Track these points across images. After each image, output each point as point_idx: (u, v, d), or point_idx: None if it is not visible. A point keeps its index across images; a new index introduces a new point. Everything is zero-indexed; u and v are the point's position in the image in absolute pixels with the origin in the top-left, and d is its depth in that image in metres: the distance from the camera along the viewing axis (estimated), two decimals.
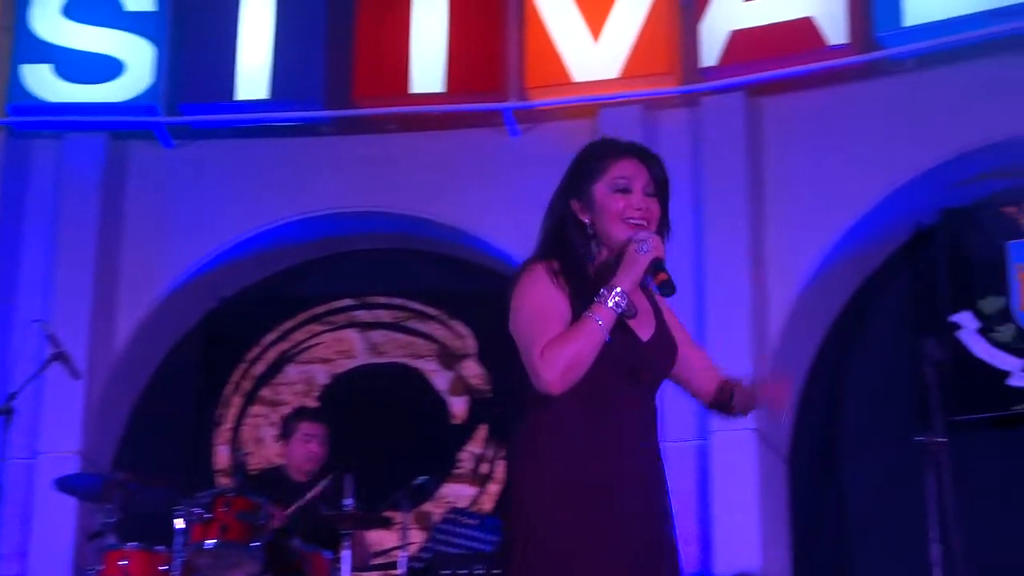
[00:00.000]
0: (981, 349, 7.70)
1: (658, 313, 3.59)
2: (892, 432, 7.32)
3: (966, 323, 7.75)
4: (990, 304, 7.73)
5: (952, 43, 7.63)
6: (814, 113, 7.97)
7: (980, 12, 7.49)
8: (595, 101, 8.27)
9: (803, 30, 7.87)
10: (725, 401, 3.64)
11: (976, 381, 7.65)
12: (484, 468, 8.55)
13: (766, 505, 7.57)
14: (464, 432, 8.63)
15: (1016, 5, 7.39)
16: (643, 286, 3.52)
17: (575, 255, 3.53)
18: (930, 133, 7.62)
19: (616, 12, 8.27)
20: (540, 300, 3.45)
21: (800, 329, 7.91)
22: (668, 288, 3.43)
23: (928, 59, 7.76)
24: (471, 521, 7.67)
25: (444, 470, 8.49)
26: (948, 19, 7.57)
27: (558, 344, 3.35)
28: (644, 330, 3.51)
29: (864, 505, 7.87)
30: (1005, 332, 7.67)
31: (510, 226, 8.33)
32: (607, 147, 3.68)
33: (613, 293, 3.38)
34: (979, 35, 7.55)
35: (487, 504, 8.46)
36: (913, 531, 6.16)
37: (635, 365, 3.45)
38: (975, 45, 7.57)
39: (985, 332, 7.70)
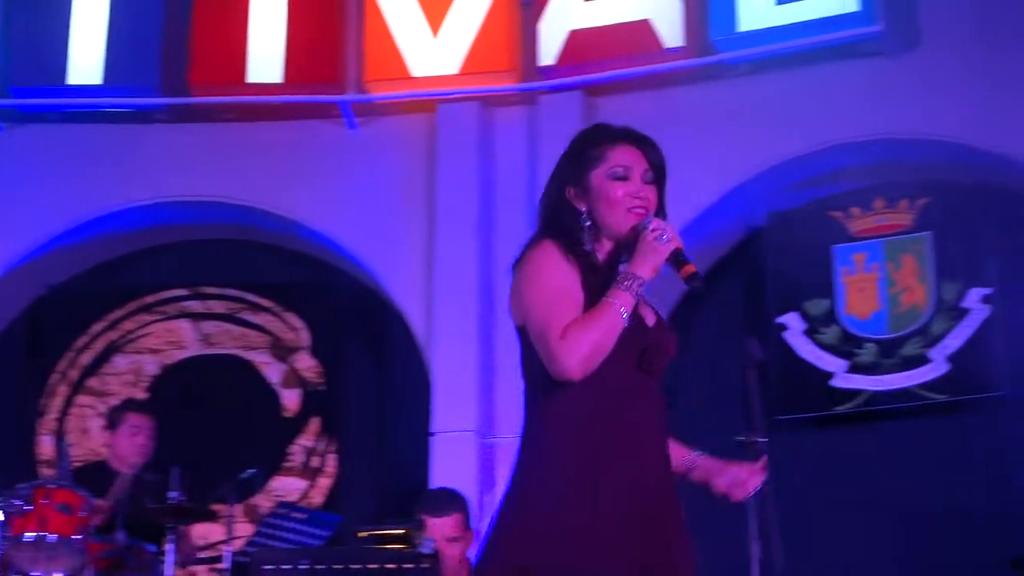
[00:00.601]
0: (806, 350, 7.85)
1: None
2: (719, 431, 7.41)
3: (792, 324, 7.90)
4: (816, 306, 7.89)
5: (784, 50, 7.77)
6: (650, 114, 7.98)
7: (811, 20, 7.63)
8: (433, 96, 8.27)
9: (640, 32, 7.95)
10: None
11: (801, 381, 7.82)
12: (315, 462, 8.50)
13: None
14: (296, 425, 8.56)
15: (846, 15, 7.54)
16: None
17: (578, 240, 3.39)
18: (761, 137, 7.74)
19: (456, 8, 8.27)
20: (555, 280, 3.29)
21: None
22: (696, 280, 3.31)
23: (761, 65, 7.89)
24: (300, 515, 7.58)
25: (274, 463, 8.42)
26: (781, 26, 7.71)
27: (579, 329, 3.20)
28: (648, 316, 3.42)
29: (688, 502, 7.98)
30: (830, 334, 7.84)
31: (346, 218, 8.31)
32: (603, 133, 3.59)
33: (633, 280, 3.25)
34: (810, 43, 7.69)
35: (317, 498, 8.41)
36: (734, 530, 6.25)
37: (645, 349, 3.33)
38: (806, 52, 7.72)
39: (811, 333, 7.87)
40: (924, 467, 7.42)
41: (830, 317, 7.85)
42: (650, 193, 3.44)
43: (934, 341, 7.61)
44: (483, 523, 7.48)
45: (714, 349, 7.87)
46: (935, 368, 7.57)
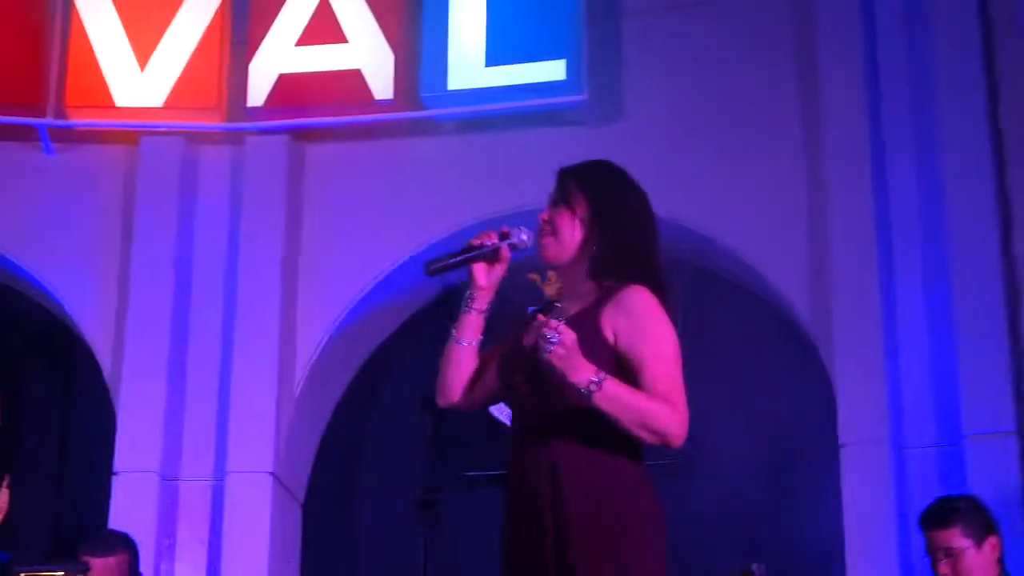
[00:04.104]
0: (497, 408, 7.93)
1: None
2: (406, 484, 7.47)
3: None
4: None
5: (490, 112, 7.88)
6: (357, 164, 8.06)
7: (519, 84, 7.75)
8: (136, 128, 8.07)
9: (351, 81, 7.94)
10: None
11: (491, 436, 7.89)
12: None
13: (276, 549, 7.58)
14: None
15: (552, 82, 7.69)
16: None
17: None
18: (467, 194, 7.82)
19: (165, 41, 8.09)
20: None
21: (325, 377, 7.98)
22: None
23: (469, 124, 7.98)
24: None
25: None
26: (488, 88, 7.80)
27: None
28: None
29: (375, 555, 8.02)
30: None
31: (36, 245, 8.04)
32: None
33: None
34: (515, 107, 7.82)
35: None
36: None
37: None
38: (513, 115, 7.85)
39: None
40: None
41: None
42: (554, 215, 3.71)
43: None
44: (160, 566, 7.38)
45: (406, 401, 7.91)
46: None
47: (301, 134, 8.09)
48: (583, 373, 3.43)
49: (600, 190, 3.75)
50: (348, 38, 8.04)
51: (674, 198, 7.58)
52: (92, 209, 8.10)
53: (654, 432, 3.46)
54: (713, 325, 7.48)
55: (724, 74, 7.71)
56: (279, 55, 8.05)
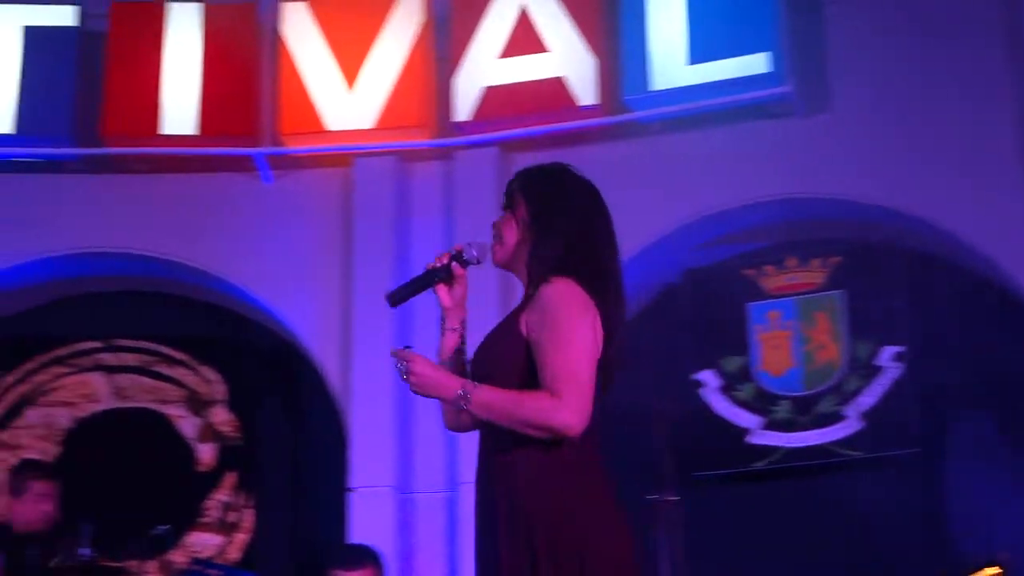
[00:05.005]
0: (723, 407, 7.92)
1: None
2: (632, 489, 7.47)
3: (709, 381, 7.98)
4: (732, 363, 7.97)
5: (696, 109, 7.86)
6: None
7: (722, 80, 7.72)
8: (349, 151, 8.27)
9: (554, 90, 8.01)
10: None
11: (718, 438, 7.88)
12: (232, 517, 8.45)
13: None
14: (211, 480, 8.51)
15: (756, 75, 7.64)
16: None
17: None
18: (674, 195, 7.83)
19: (371, 63, 8.28)
20: None
21: None
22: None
23: (673, 123, 7.97)
24: (215, 572, 7.55)
25: (190, 518, 8.36)
26: (692, 86, 7.79)
27: None
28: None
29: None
30: (745, 391, 7.92)
31: (262, 272, 8.28)
32: None
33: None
34: (720, 103, 7.77)
35: (234, 554, 8.35)
36: None
37: None
38: (718, 112, 7.81)
39: (727, 390, 7.94)
40: (840, 522, 7.50)
41: (745, 374, 7.93)
42: (500, 221, 3.77)
43: (848, 398, 7.72)
44: None
45: (628, 407, 7.90)
46: (849, 425, 7.66)
47: (509, 145, 8.17)
48: (449, 390, 3.52)
49: (536, 192, 3.77)
50: (549, 47, 8.11)
51: (886, 184, 7.51)
52: (311, 232, 8.30)
53: (538, 428, 3.44)
54: (941, 308, 7.39)
55: (930, 56, 7.58)
56: (483, 69, 8.16)
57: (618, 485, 3.57)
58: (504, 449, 3.53)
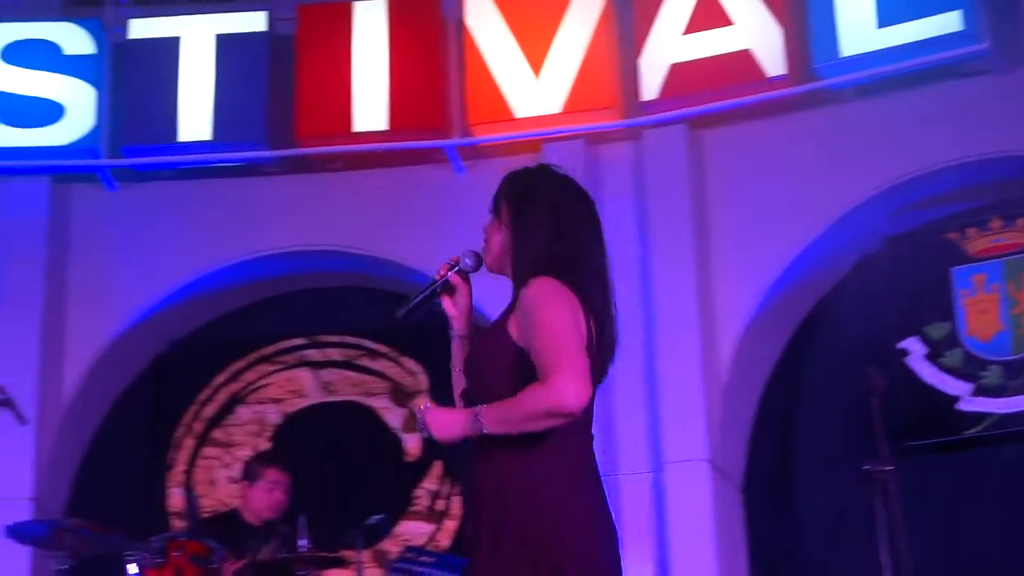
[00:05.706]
0: (930, 374, 7.75)
1: None
2: (843, 460, 7.38)
3: (914, 349, 7.82)
4: (937, 329, 7.80)
5: (887, 73, 7.71)
6: (756, 144, 8.03)
7: (913, 42, 7.57)
8: (538, 136, 8.30)
9: (742, 62, 7.94)
10: None
11: (927, 407, 7.72)
12: (440, 505, 8.56)
13: (723, 535, 7.61)
14: (419, 469, 8.64)
15: (950, 34, 7.48)
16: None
17: None
18: (870, 161, 7.70)
19: (556, 47, 8.31)
20: None
21: (750, 360, 7.97)
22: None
23: (865, 89, 7.84)
24: (428, 559, 7.64)
25: (400, 508, 8.49)
26: (882, 49, 7.65)
27: None
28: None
29: (818, 533, 7.93)
30: (953, 357, 7.74)
31: None
32: None
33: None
34: (913, 65, 7.63)
35: (444, 541, 8.46)
36: (866, 558, 6.21)
37: None
38: (910, 74, 7.66)
39: (933, 358, 7.77)
40: None
41: (952, 340, 7.75)
42: (488, 226, 3.80)
43: None
44: None
45: (834, 377, 7.82)
46: None
47: (697, 121, 8.12)
48: (463, 426, 3.60)
49: (513, 195, 3.76)
50: (733, 20, 8.04)
51: None
52: None
53: (544, 417, 3.44)
54: None
55: None
56: (668, 46, 8.12)
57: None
58: (492, 453, 3.58)
